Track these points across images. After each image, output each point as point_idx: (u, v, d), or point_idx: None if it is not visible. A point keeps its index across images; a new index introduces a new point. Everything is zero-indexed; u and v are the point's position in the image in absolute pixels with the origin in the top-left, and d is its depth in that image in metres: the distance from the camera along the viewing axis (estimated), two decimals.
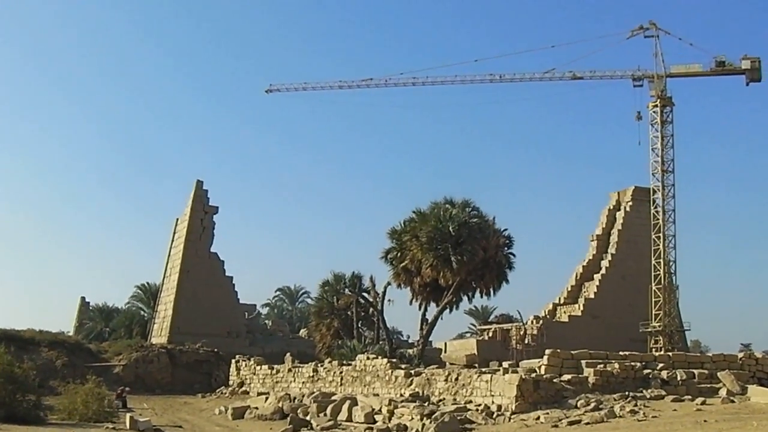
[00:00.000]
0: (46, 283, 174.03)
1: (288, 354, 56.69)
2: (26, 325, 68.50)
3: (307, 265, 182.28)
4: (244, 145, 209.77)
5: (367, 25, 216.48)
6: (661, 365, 34.26)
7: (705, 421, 25.25)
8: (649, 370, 33.55)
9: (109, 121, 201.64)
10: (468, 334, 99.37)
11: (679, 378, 32.70)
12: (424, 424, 29.80)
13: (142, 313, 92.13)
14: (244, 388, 56.33)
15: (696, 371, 33.81)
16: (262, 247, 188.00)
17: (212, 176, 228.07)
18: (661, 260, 75.47)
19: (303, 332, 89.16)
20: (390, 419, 32.86)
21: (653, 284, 75.21)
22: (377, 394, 39.16)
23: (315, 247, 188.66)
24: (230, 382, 59.60)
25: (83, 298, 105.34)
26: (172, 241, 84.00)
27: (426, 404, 33.31)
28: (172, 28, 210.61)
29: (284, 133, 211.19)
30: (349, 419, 35.25)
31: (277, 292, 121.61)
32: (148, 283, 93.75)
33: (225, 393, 56.87)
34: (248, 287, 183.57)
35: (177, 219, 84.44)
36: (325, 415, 36.75)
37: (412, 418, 31.24)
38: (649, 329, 74.48)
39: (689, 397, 30.72)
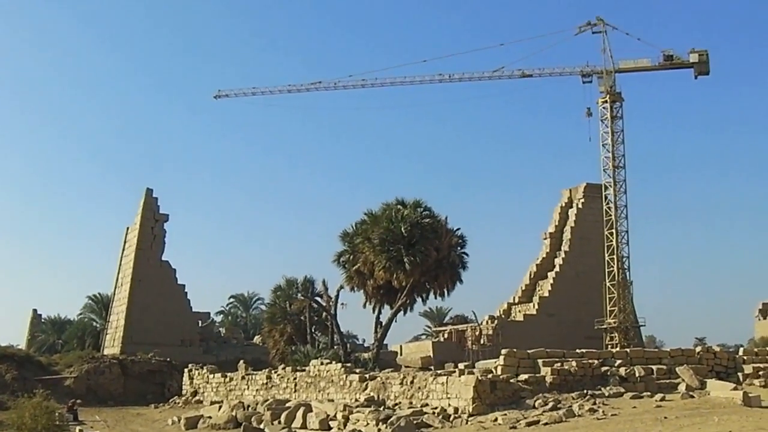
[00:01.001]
0: None
1: (241, 361, 56.00)
2: None
3: (261, 271, 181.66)
4: (193, 151, 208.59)
5: (316, 27, 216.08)
6: (619, 362, 34.01)
7: (665, 417, 24.94)
8: (607, 368, 33.27)
9: (59, 125, 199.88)
10: (423, 336, 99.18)
11: (637, 374, 32.40)
12: (380, 429, 29.28)
13: (94, 324, 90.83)
14: (197, 398, 55.50)
15: (654, 367, 33.57)
16: (215, 254, 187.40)
17: (162, 183, 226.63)
18: (615, 256, 75.67)
19: (257, 339, 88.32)
20: (345, 425, 32.30)
21: (607, 280, 75.39)
22: (332, 400, 38.58)
23: (268, 252, 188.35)
24: (183, 392, 58.74)
25: (35, 311, 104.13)
26: (123, 250, 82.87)
27: (381, 409, 32.79)
28: (123, 29, 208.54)
29: (233, 138, 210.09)
30: (304, 426, 34.67)
31: (231, 299, 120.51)
32: (99, 294, 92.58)
33: (178, 403, 56.04)
34: (202, 295, 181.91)
35: (127, 228, 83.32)
36: (280, 422, 36.13)
37: (368, 424, 30.69)
38: (605, 326, 74.63)
39: (648, 393, 30.54)
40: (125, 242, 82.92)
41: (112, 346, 77.07)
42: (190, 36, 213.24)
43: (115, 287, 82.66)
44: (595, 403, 28.72)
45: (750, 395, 27.90)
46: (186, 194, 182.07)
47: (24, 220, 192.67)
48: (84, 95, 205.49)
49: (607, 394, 30.52)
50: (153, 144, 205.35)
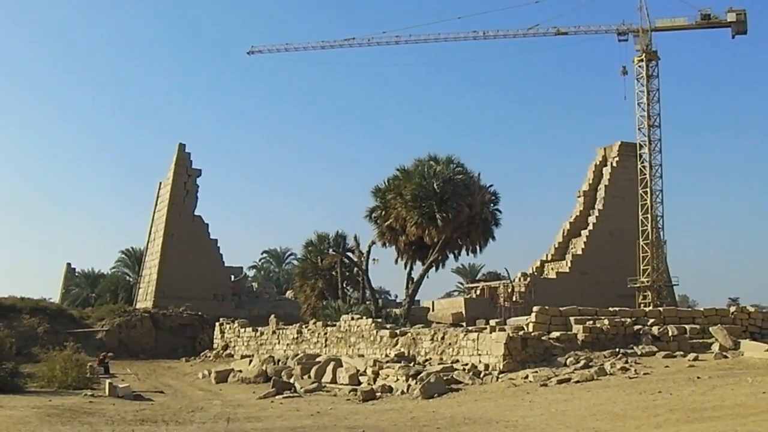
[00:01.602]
0: (31, 250, 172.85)
1: (272, 316, 55.94)
2: (11, 292, 67.71)
3: (294, 226, 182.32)
4: (226, 106, 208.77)
5: None
6: (651, 321, 33.66)
7: (698, 377, 24.60)
8: (639, 326, 32.93)
9: (92, 81, 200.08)
10: (456, 293, 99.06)
11: (670, 333, 32.02)
12: (409, 385, 29.08)
13: (127, 278, 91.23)
14: (228, 352, 55.66)
15: (687, 326, 33.18)
16: (248, 209, 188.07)
17: (194, 138, 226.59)
18: (649, 215, 75.23)
19: (290, 294, 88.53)
20: (375, 381, 32.11)
21: (641, 239, 74.98)
22: (362, 355, 38.50)
23: (301, 208, 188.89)
24: (214, 346, 58.86)
25: (69, 264, 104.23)
26: (156, 204, 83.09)
27: (412, 364, 32.63)
28: None
29: (265, 94, 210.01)
30: (334, 381, 34.52)
31: (264, 254, 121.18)
32: (132, 248, 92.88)
33: (209, 357, 56.11)
34: (235, 250, 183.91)
35: (160, 182, 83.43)
36: (309, 377, 36.03)
37: (398, 379, 30.53)
38: (638, 285, 74.38)
39: (681, 353, 30.18)
40: (158, 197, 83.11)
41: (144, 300, 77.49)
42: None
43: (148, 242, 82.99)
44: (627, 362, 28.40)
45: None
46: (219, 149, 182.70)
47: (58, 175, 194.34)
48: (117, 51, 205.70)
49: (639, 353, 30.19)
50: (186, 99, 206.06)
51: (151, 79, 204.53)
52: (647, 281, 74.22)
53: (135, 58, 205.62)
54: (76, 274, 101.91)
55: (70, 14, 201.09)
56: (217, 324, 60.10)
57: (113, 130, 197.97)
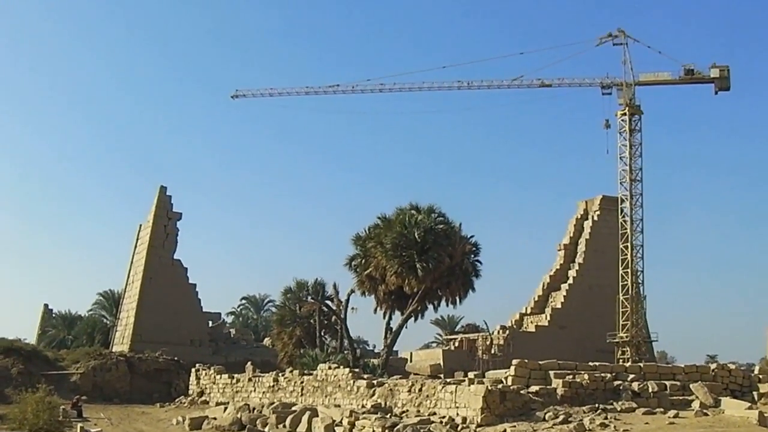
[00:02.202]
0: (8, 291, 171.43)
1: (249, 363, 55.56)
2: None
3: (274, 273, 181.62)
4: (208, 150, 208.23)
5: (335, 31, 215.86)
6: (632, 376, 33.41)
7: None
8: (619, 382, 32.67)
9: (74, 122, 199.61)
10: (434, 344, 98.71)
11: (650, 390, 31.77)
12: None
13: (104, 320, 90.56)
14: (203, 398, 55.14)
15: (668, 383, 32.94)
16: (228, 254, 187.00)
17: (176, 182, 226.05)
18: (629, 270, 75.18)
19: (267, 341, 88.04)
20: (350, 431, 31.77)
21: (621, 294, 74.90)
22: (338, 405, 38.16)
23: (281, 255, 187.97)
24: (190, 392, 58.34)
25: (46, 306, 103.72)
26: (135, 247, 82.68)
27: (388, 416, 32.30)
28: (145, 26, 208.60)
29: (248, 139, 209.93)
30: (309, 431, 34.17)
31: (243, 301, 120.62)
32: (110, 290, 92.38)
33: (184, 403, 55.67)
34: (214, 295, 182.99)
35: (140, 225, 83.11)
36: (285, 426, 35.77)
37: (374, 431, 30.18)
38: (617, 340, 74.17)
39: (661, 409, 29.87)
40: (137, 239, 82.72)
41: (121, 343, 76.82)
42: (209, 34, 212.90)
43: (126, 284, 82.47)
44: (606, 418, 28.15)
45: (766, 415, 27.31)
46: (200, 193, 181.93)
47: (37, 215, 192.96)
48: (103, 89, 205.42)
49: (619, 408, 29.92)
50: (168, 142, 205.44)
51: (132, 119, 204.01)
52: (626, 336, 74.09)
53: (117, 96, 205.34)
54: (53, 315, 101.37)
55: (54, 46, 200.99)
56: (193, 370, 59.60)
57: (93, 171, 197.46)
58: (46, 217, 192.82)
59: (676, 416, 28.35)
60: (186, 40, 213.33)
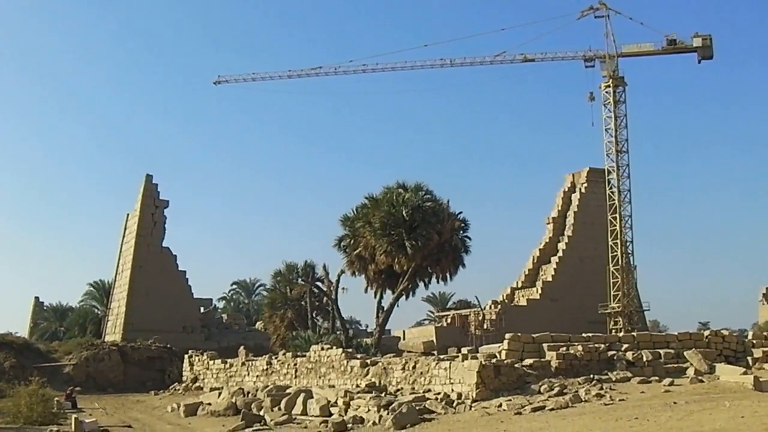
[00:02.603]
0: None
1: (242, 347, 55.41)
2: None
3: (263, 257, 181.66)
4: (194, 136, 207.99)
5: (316, 13, 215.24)
6: (625, 346, 33.42)
7: (675, 402, 24.26)
8: (613, 352, 32.70)
9: (60, 111, 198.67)
10: (426, 322, 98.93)
11: (644, 359, 31.78)
12: (381, 416, 28.65)
13: (96, 310, 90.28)
14: (197, 384, 55.00)
15: (662, 351, 32.93)
16: (217, 240, 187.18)
17: (162, 169, 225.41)
18: (618, 241, 75.28)
19: (259, 325, 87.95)
20: (346, 411, 31.66)
21: (611, 265, 75.01)
22: (333, 386, 38.05)
23: (270, 238, 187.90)
24: (184, 378, 58.21)
25: (37, 298, 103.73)
26: (123, 236, 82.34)
27: (383, 395, 32.19)
28: (128, 15, 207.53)
29: (233, 123, 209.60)
30: (304, 413, 34.05)
31: (234, 286, 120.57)
32: (101, 281, 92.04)
33: (178, 389, 55.52)
34: (205, 282, 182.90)
35: (128, 214, 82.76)
36: (280, 409, 35.55)
37: (369, 410, 30.08)
38: (609, 310, 74.29)
39: (656, 378, 29.84)
40: (125, 229, 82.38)
41: (113, 333, 76.64)
42: (190, 21, 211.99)
43: (116, 274, 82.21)
44: (602, 388, 28.08)
45: (761, 379, 27.29)
46: (187, 179, 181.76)
47: (25, 208, 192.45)
48: (86, 80, 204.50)
49: (614, 378, 29.90)
50: (152, 130, 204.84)
51: (118, 107, 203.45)
52: (618, 307, 74.25)
53: (103, 85, 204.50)
54: (45, 307, 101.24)
55: (40, 36, 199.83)
56: (186, 356, 59.45)
57: (79, 161, 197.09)
58: (34, 210, 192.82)
59: (671, 384, 28.32)
60: (168, 27, 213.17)
